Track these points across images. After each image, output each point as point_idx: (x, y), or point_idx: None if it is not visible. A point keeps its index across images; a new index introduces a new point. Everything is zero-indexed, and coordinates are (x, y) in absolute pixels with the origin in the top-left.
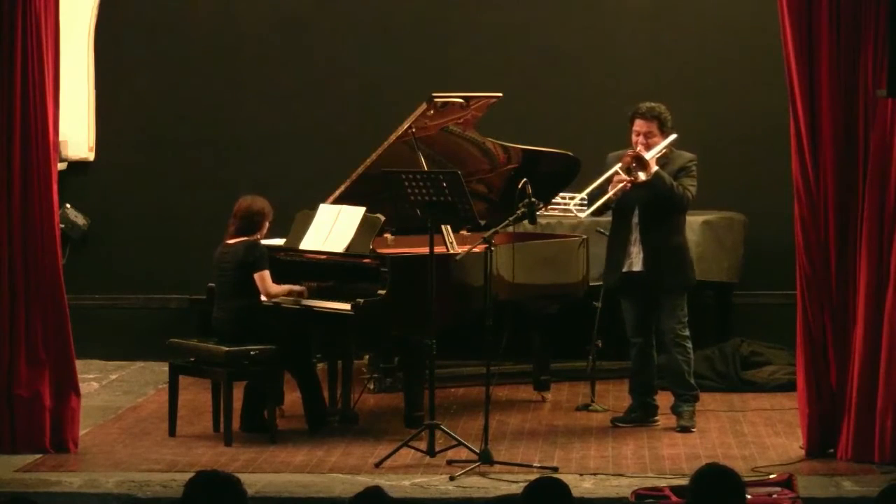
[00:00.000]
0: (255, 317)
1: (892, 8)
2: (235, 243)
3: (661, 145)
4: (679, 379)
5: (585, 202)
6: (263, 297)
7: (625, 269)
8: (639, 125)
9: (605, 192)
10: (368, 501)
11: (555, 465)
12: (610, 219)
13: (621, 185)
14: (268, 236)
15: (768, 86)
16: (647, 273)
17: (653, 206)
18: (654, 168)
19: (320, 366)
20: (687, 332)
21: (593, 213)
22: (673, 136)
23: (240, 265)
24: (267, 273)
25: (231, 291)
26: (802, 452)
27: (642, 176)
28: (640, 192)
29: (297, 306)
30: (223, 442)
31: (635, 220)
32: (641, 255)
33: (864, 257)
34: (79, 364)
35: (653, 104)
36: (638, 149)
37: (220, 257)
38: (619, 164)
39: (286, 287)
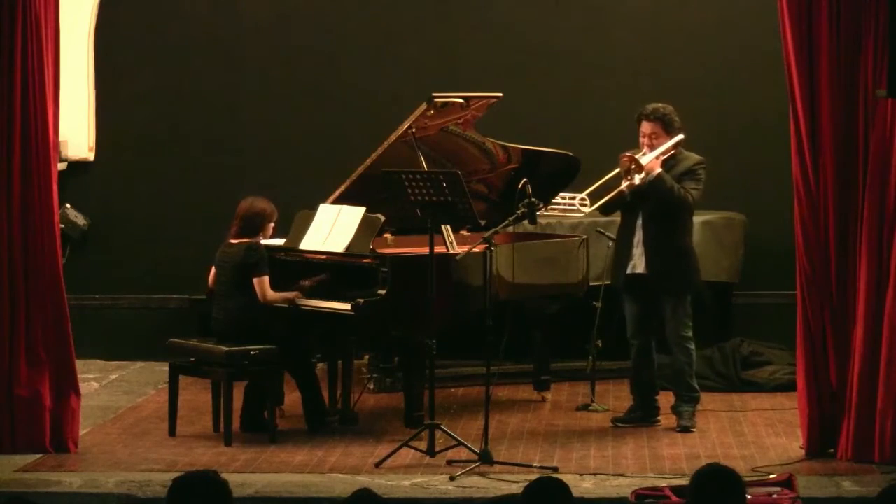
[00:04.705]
0: (253, 317)
1: (892, 8)
2: (237, 244)
3: (663, 147)
4: (680, 380)
5: (586, 202)
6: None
7: (628, 271)
8: (644, 127)
9: (610, 190)
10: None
11: (555, 465)
12: (611, 219)
13: (622, 187)
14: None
15: (768, 86)
16: (648, 275)
17: (656, 209)
18: (658, 170)
19: (320, 366)
20: (690, 334)
21: (600, 210)
22: (678, 137)
23: (239, 266)
24: (266, 279)
25: (229, 292)
26: (802, 452)
27: (636, 179)
28: (645, 193)
29: (296, 307)
30: (223, 442)
31: (639, 221)
32: (644, 258)
33: (864, 257)
34: (79, 364)
35: (658, 105)
36: (643, 151)
37: (220, 257)
38: (619, 167)
39: (283, 294)
